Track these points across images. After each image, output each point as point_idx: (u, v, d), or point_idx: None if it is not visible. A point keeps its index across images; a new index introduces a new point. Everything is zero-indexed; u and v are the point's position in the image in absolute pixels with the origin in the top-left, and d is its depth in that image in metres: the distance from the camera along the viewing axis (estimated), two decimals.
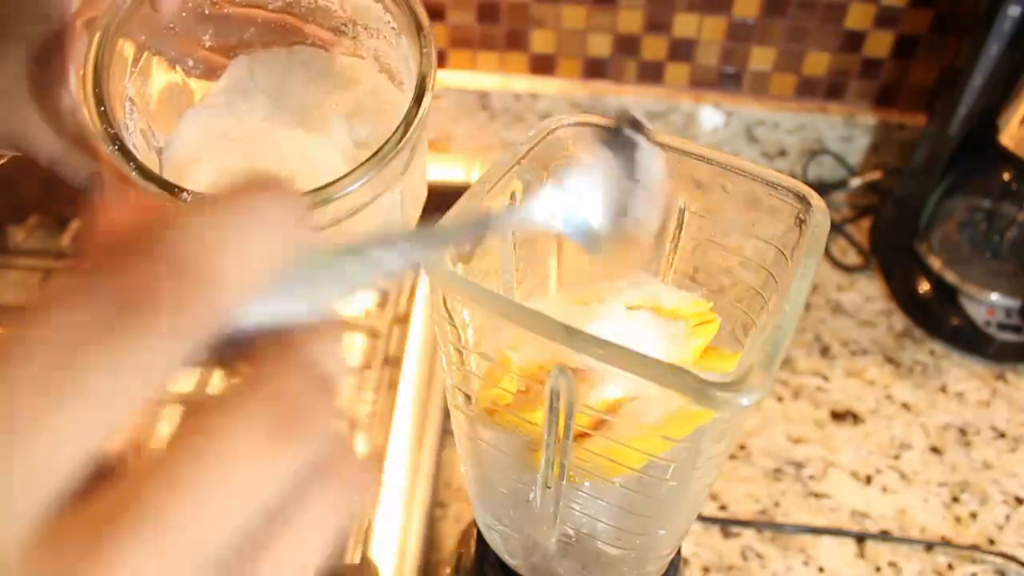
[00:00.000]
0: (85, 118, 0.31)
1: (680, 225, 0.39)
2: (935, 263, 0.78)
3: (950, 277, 0.77)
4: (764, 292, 0.36)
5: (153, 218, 0.15)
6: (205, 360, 0.16)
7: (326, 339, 0.17)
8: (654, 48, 0.85)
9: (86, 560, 0.13)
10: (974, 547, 0.61)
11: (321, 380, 0.16)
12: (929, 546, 0.61)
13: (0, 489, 0.13)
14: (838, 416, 0.70)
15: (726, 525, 0.62)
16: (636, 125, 0.26)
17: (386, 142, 0.31)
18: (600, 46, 0.85)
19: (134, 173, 0.30)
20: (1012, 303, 0.75)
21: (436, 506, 0.62)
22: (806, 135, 0.88)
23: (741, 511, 0.63)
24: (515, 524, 0.40)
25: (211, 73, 0.38)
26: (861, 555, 0.61)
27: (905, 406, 0.71)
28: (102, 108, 0.31)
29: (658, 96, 0.87)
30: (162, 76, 0.37)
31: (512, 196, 0.36)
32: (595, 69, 0.87)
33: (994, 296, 0.75)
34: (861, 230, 0.87)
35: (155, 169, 0.34)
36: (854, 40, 0.83)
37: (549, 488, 0.35)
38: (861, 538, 0.62)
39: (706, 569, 0.59)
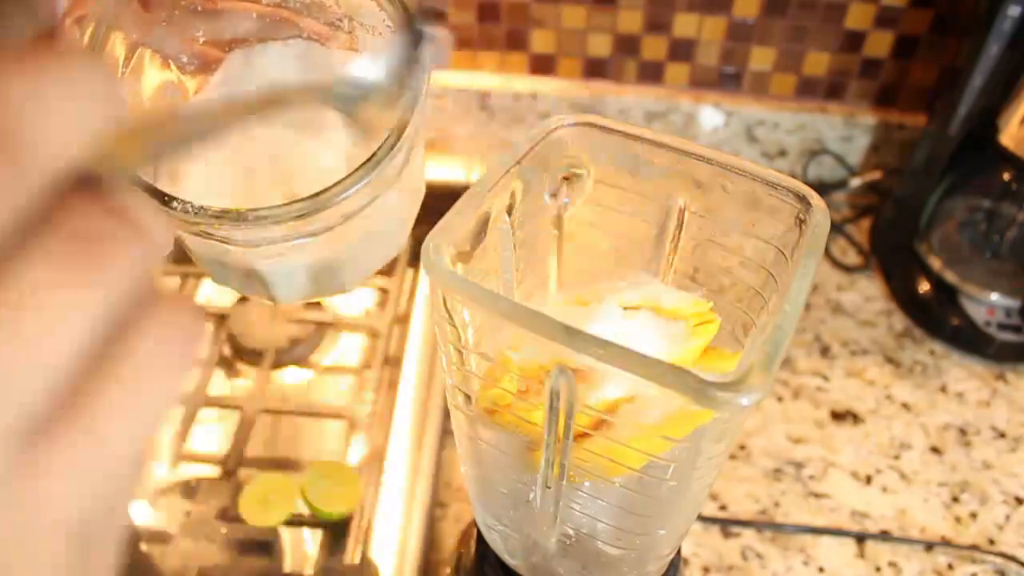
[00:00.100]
0: None
1: (680, 225, 0.38)
2: (935, 263, 0.78)
3: (950, 277, 0.77)
4: (764, 292, 0.36)
5: None
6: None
7: (145, 202, 0.16)
8: (654, 48, 0.85)
9: None
10: (974, 547, 0.61)
11: (131, 225, 0.15)
12: (929, 546, 0.61)
13: None
14: (838, 416, 0.70)
15: (726, 525, 0.62)
16: (431, 16, 0.25)
17: (382, 145, 0.31)
18: (600, 46, 0.85)
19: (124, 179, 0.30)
20: (1012, 303, 0.75)
21: (436, 506, 0.62)
22: (806, 135, 0.88)
23: (741, 511, 0.63)
24: (515, 524, 0.40)
25: (206, 68, 0.38)
26: (861, 555, 0.61)
27: (905, 406, 0.71)
28: None
29: (658, 96, 0.87)
30: (155, 74, 0.37)
31: (512, 195, 0.36)
32: (595, 69, 0.87)
33: (994, 296, 0.75)
34: (861, 230, 0.87)
35: (150, 167, 0.34)
36: (854, 40, 0.83)
37: (549, 488, 0.35)
38: (861, 538, 0.62)
39: (706, 569, 0.59)
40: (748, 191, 0.36)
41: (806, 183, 0.35)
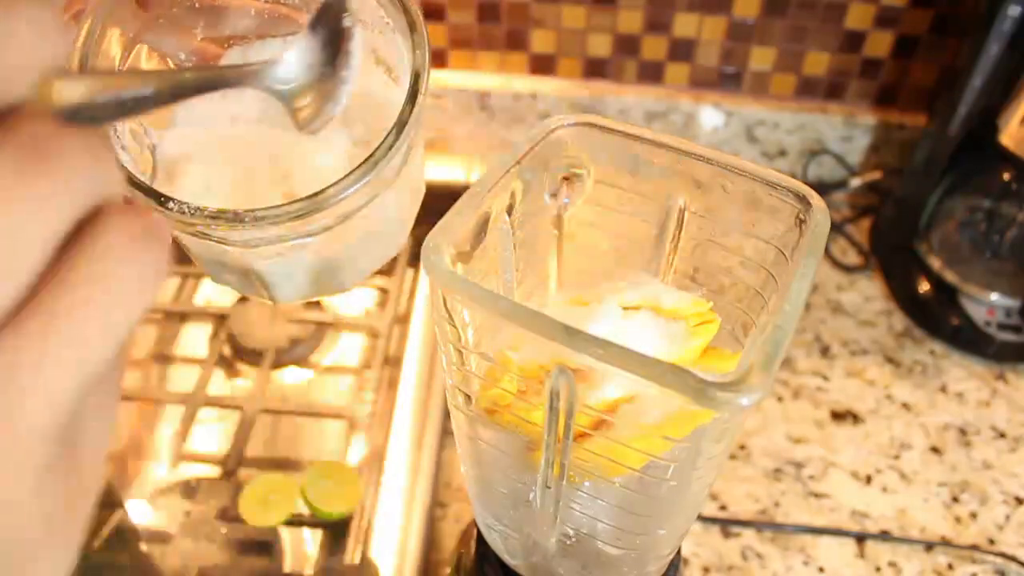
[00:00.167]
0: None
1: (680, 225, 0.38)
2: (935, 263, 0.78)
3: (950, 277, 0.77)
4: (764, 292, 0.36)
5: None
6: None
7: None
8: (654, 48, 0.85)
9: None
10: (974, 547, 0.61)
11: (80, 135, 0.16)
12: (929, 546, 0.61)
13: None
14: (838, 416, 0.70)
15: (726, 525, 0.62)
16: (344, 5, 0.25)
17: (380, 144, 0.31)
18: (600, 46, 0.85)
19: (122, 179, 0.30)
20: (1012, 303, 0.75)
21: (436, 506, 0.62)
22: (806, 135, 0.88)
23: (741, 511, 0.63)
24: (515, 524, 0.40)
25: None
26: (861, 555, 0.61)
27: (905, 406, 0.71)
28: None
29: (658, 96, 0.87)
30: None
31: (512, 195, 0.36)
32: (595, 69, 0.87)
33: (994, 296, 0.75)
34: (861, 230, 0.87)
35: (148, 167, 0.34)
36: (854, 40, 0.83)
37: (549, 488, 0.35)
38: (861, 538, 0.62)
39: (706, 569, 0.59)
40: (748, 191, 0.36)
41: (806, 183, 0.35)
